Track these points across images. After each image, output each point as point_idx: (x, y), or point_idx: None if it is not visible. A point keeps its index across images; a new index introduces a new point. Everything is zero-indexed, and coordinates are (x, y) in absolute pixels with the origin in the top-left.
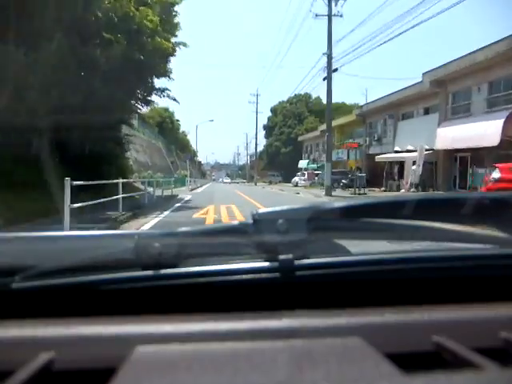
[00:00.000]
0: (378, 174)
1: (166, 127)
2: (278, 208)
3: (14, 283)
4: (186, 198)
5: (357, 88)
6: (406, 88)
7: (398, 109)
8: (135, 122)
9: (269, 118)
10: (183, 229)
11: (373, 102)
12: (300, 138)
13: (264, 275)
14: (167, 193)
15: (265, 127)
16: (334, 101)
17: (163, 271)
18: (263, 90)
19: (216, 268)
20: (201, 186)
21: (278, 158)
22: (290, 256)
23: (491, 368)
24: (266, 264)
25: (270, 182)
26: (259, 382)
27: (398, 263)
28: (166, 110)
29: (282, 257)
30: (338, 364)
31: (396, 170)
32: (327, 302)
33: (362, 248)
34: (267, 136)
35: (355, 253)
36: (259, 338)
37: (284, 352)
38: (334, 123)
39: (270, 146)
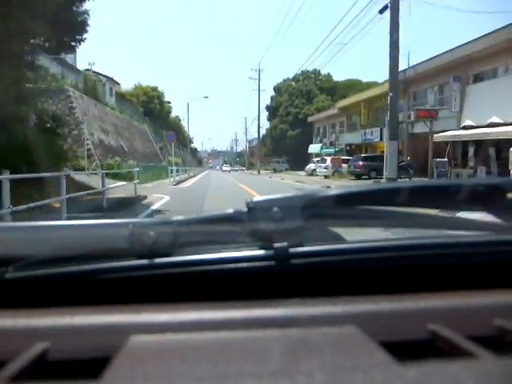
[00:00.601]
0: (423, 158)
1: (154, 109)
2: (272, 196)
3: (7, 273)
4: (154, 206)
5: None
6: (484, 36)
7: (467, 68)
8: (107, 97)
9: (272, 98)
10: (178, 217)
11: (424, 62)
12: (310, 119)
13: (259, 263)
14: (130, 190)
15: (268, 108)
16: (345, 77)
17: (158, 260)
18: (264, 68)
19: (211, 257)
20: (193, 177)
21: (283, 143)
22: (285, 244)
23: (486, 356)
24: (261, 252)
25: (275, 170)
26: (254, 371)
27: (393, 251)
28: (155, 89)
29: (276, 245)
30: (332, 353)
31: (472, 152)
32: (322, 290)
33: (357, 235)
34: (270, 118)
35: (350, 240)
36: (254, 326)
37: (279, 341)
38: (360, 97)
39: (274, 129)
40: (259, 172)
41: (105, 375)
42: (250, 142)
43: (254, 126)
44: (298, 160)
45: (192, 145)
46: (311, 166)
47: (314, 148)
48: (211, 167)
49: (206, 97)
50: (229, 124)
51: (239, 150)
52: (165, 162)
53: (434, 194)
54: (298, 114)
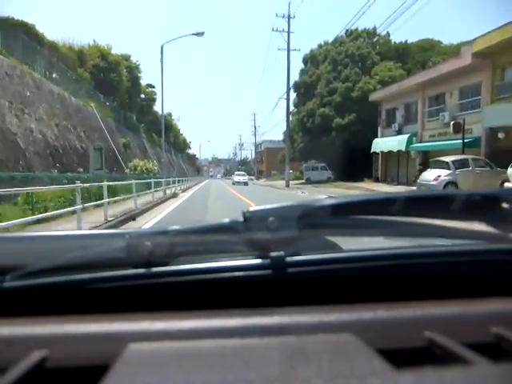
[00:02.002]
0: None
1: (119, 84)
2: (268, 206)
3: (5, 282)
4: None
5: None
6: None
7: None
8: None
9: (302, 72)
10: (174, 227)
11: None
12: (374, 97)
13: (255, 272)
14: None
15: (296, 87)
16: (419, 38)
17: (154, 269)
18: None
19: (207, 266)
20: (174, 197)
21: (325, 137)
22: (282, 253)
23: (482, 364)
24: (258, 261)
25: (308, 181)
26: (250, 378)
27: (389, 259)
28: (126, 58)
29: (273, 254)
30: (329, 360)
31: None
32: (319, 299)
33: (353, 244)
34: (300, 102)
35: (347, 249)
36: (251, 335)
37: (275, 349)
38: None
39: (307, 117)
40: (288, 184)
41: (102, 383)
42: (258, 145)
43: (263, 125)
44: (351, 164)
45: (190, 151)
46: (430, 174)
47: (385, 143)
48: (211, 176)
49: (200, 33)
50: (231, 131)
51: (243, 155)
52: (127, 169)
53: (430, 203)
54: (350, 91)
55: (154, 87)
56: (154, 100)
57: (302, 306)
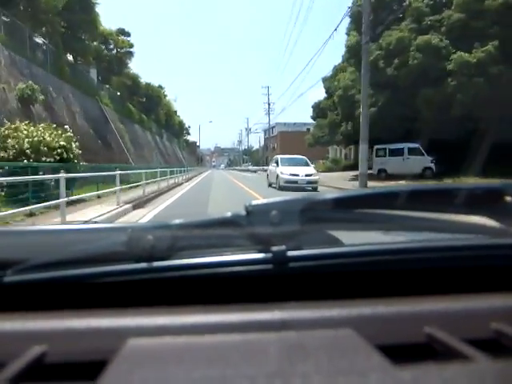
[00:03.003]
0: None
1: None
2: (271, 199)
3: (5, 277)
4: None
5: None
6: None
7: None
8: None
9: None
10: (176, 221)
11: None
12: None
13: (257, 267)
14: None
15: (353, 17)
16: None
17: (156, 264)
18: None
19: (209, 260)
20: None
21: (422, 92)
22: (283, 247)
23: (482, 359)
24: (259, 255)
25: (381, 173)
26: (250, 373)
27: (390, 254)
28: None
29: (274, 248)
30: (329, 356)
31: None
32: (320, 294)
33: (355, 239)
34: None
35: (348, 244)
36: (251, 330)
37: (275, 344)
38: None
39: (387, 57)
40: (365, 183)
41: (102, 378)
42: (268, 130)
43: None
44: (474, 146)
45: (190, 138)
46: None
47: None
48: (214, 166)
49: None
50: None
51: (249, 143)
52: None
53: (432, 197)
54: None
55: (128, 35)
56: (129, 55)
57: (302, 300)
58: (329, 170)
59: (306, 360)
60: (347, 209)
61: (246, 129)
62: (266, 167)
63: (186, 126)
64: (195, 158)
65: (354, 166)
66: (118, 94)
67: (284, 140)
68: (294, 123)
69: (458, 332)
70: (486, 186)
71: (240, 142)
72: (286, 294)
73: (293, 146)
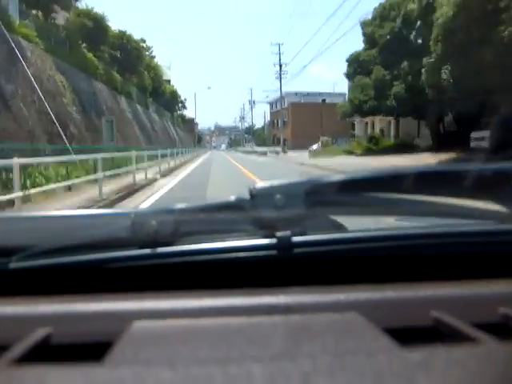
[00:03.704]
0: None
1: None
2: (275, 182)
3: (11, 263)
4: None
5: None
6: None
7: None
8: None
9: None
10: (179, 206)
11: None
12: None
13: (261, 253)
14: None
15: None
16: None
17: (160, 249)
18: None
19: (213, 246)
20: None
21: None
22: (288, 233)
23: (489, 342)
24: (264, 241)
25: None
26: (255, 354)
27: (396, 239)
28: None
29: (279, 234)
30: (335, 337)
31: None
32: (325, 280)
33: (360, 224)
34: None
35: (354, 229)
36: (256, 313)
37: (280, 326)
38: None
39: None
40: None
41: (107, 358)
42: (274, 103)
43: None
44: None
45: (186, 113)
46: None
47: None
48: (214, 147)
49: None
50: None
51: (249, 121)
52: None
53: (439, 180)
54: None
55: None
56: None
57: (307, 286)
58: (371, 152)
59: (311, 341)
60: (353, 192)
61: (250, 101)
62: (276, 148)
63: (182, 98)
64: (193, 136)
65: (401, 147)
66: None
67: (296, 113)
68: (308, 93)
69: (465, 316)
70: (494, 169)
71: (242, 118)
72: (291, 280)
73: (307, 121)
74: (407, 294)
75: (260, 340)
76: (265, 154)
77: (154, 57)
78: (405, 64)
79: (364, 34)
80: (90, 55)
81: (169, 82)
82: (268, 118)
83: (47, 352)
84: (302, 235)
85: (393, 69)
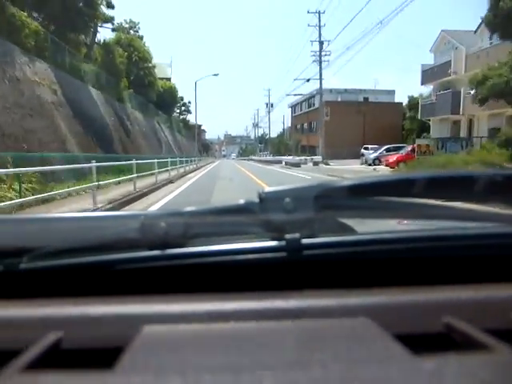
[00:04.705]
0: None
1: None
2: (285, 187)
3: (21, 264)
4: None
5: None
6: None
7: None
8: None
9: None
10: (189, 208)
11: None
12: None
13: (270, 254)
14: None
15: None
16: None
17: (169, 251)
18: None
19: (222, 248)
20: None
21: None
22: (297, 235)
23: (503, 349)
24: (273, 243)
25: None
26: (267, 361)
27: (406, 242)
28: None
29: (288, 236)
30: (346, 344)
31: None
32: (335, 282)
33: (370, 227)
34: None
35: (363, 232)
36: (266, 318)
37: (292, 332)
38: None
39: None
40: None
41: (118, 364)
42: (294, 106)
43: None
44: None
45: (189, 118)
46: None
47: None
48: (224, 156)
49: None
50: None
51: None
52: None
53: (450, 184)
54: None
55: None
56: None
57: (317, 289)
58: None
59: (323, 348)
60: (361, 196)
61: (267, 104)
62: (313, 157)
63: (186, 101)
64: (199, 145)
65: None
66: None
67: (333, 114)
68: (345, 90)
69: (477, 322)
70: (506, 173)
71: (257, 124)
72: (301, 282)
73: (346, 123)
74: (418, 299)
75: (271, 346)
76: (297, 165)
77: (140, 36)
78: None
79: None
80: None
81: (169, 79)
82: (288, 123)
83: (57, 357)
84: (311, 237)
85: None
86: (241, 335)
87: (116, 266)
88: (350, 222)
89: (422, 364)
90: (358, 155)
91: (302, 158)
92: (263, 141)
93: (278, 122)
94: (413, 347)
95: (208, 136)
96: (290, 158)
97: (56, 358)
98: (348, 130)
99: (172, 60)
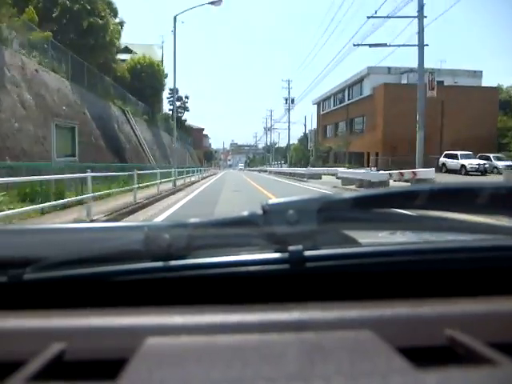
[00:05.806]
0: None
1: None
2: (288, 199)
3: (25, 274)
4: None
5: None
6: None
7: None
8: None
9: None
10: (193, 220)
11: None
12: None
13: (274, 266)
14: None
15: None
16: None
17: (173, 262)
18: None
19: (225, 259)
20: None
21: None
22: (300, 247)
23: (507, 364)
24: (276, 255)
25: None
26: (269, 374)
27: (409, 255)
28: None
29: (291, 248)
30: (349, 357)
31: None
32: (337, 294)
33: (373, 239)
34: None
35: (366, 244)
36: (269, 330)
37: (294, 344)
38: None
39: None
40: None
41: (121, 377)
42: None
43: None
44: None
45: (188, 119)
46: None
47: None
48: (230, 166)
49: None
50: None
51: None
52: None
53: (452, 197)
54: None
55: None
56: None
57: (320, 301)
58: None
59: (326, 362)
60: (365, 208)
61: (287, 100)
62: (418, 170)
63: (183, 95)
64: (202, 154)
65: None
66: None
67: (393, 104)
68: (411, 69)
69: (480, 335)
70: (510, 186)
71: (269, 129)
72: (303, 294)
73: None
74: (420, 311)
75: (274, 359)
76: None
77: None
78: None
79: None
80: None
81: (162, 62)
82: (314, 124)
83: (61, 368)
84: (314, 249)
85: None
86: (243, 347)
87: (120, 278)
88: (352, 234)
89: (425, 377)
90: (431, 164)
91: (389, 171)
92: (270, 150)
93: (292, 129)
94: (415, 360)
95: (214, 145)
96: (363, 171)
97: (59, 369)
98: (414, 127)
99: (164, 41)
